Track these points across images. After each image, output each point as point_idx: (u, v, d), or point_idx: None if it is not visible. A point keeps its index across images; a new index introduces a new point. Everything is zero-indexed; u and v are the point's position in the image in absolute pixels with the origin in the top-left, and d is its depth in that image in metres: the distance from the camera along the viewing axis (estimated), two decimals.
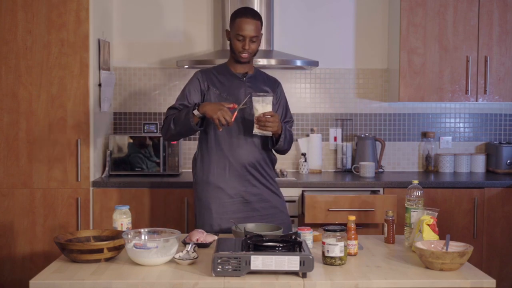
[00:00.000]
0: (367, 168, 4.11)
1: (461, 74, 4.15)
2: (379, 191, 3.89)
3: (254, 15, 2.94)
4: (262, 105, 2.81)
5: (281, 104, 3.12)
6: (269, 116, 2.79)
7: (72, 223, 3.79)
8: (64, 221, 3.79)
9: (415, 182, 2.74)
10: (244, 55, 2.94)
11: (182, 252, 2.40)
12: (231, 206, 2.97)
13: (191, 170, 4.34)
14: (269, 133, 2.86)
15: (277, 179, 3.32)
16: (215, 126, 2.86)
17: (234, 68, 3.04)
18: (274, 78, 3.17)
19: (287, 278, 2.18)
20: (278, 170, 4.23)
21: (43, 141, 3.77)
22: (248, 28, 2.90)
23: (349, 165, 4.37)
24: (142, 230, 2.48)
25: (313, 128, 4.42)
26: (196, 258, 2.37)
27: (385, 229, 2.73)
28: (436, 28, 4.13)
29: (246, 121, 2.95)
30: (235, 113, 2.81)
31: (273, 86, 3.11)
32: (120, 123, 4.40)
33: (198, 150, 3.09)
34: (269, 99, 2.82)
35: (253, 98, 2.83)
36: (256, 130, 2.83)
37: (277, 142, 2.96)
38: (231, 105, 2.81)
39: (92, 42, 3.80)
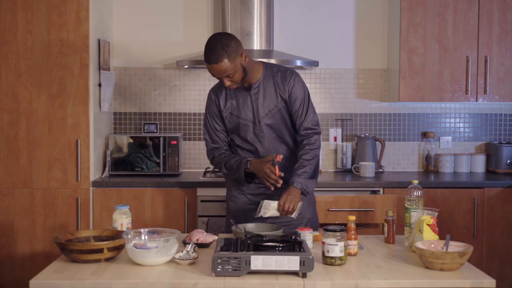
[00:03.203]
0: (367, 168, 4.11)
1: (461, 74, 4.15)
2: (379, 191, 3.89)
3: (215, 59, 2.70)
4: (272, 207, 2.80)
5: (293, 99, 2.90)
6: (284, 203, 2.76)
7: (72, 223, 3.79)
8: (64, 221, 3.79)
9: (415, 182, 2.74)
10: (231, 87, 2.84)
11: (182, 252, 2.40)
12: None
13: (191, 170, 4.38)
14: (298, 211, 2.80)
15: None
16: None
17: None
18: (284, 72, 2.92)
19: (287, 278, 2.18)
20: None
21: (43, 141, 3.77)
22: (216, 73, 2.75)
23: (349, 165, 4.37)
24: (142, 230, 2.48)
25: None
26: (196, 258, 2.37)
27: (385, 229, 2.73)
28: (436, 28, 4.13)
29: (272, 139, 2.94)
30: (277, 166, 2.79)
31: (283, 84, 2.90)
32: (120, 123, 4.40)
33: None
34: (266, 202, 2.81)
35: (261, 212, 2.81)
36: (290, 216, 2.82)
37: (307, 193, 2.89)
38: (271, 158, 2.79)
39: (92, 42, 3.80)
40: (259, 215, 2.80)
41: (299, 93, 2.91)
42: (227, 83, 2.78)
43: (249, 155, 2.96)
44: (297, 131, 2.96)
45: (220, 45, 2.71)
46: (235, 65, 2.74)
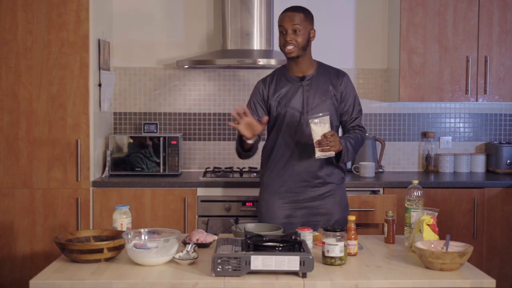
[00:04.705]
0: (367, 168, 4.11)
1: (461, 74, 4.15)
2: (379, 191, 3.89)
3: (295, 8, 2.93)
4: (321, 126, 2.70)
5: (345, 98, 2.99)
6: (330, 136, 2.68)
7: (72, 223, 3.79)
8: (64, 221, 3.79)
9: (415, 182, 2.74)
10: (288, 48, 2.87)
11: (182, 252, 2.41)
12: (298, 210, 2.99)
13: (191, 170, 4.38)
14: (332, 154, 2.73)
15: None
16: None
17: (292, 70, 2.99)
18: (337, 72, 3.05)
19: (287, 278, 2.18)
20: None
21: (43, 141, 3.77)
22: (288, 19, 2.87)
23: (349, 165, 4.36)
24: (142, 230, 2.48)
25: None
26: (196, 258, 2.37)
27: (385, 229, 2.73)
28: (436, 28, 4.13)
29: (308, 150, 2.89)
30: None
31: (336, 82, 2.99)
32: (120, 123, 4.40)
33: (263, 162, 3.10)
34: (326, 118, 2.72)
35: (311, 120, 2.71)
36: (318, 154, 2.70)
37: (338, 159, 2.87)
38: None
39: (92, 42, 3.80)
40: (314, 116, 2.71)
41: (352, 92, 3.03)
42: (289, 38, 2.86)
43: (286, 151, 2.96)
44: (346, 127, 3.04)
45: (302, 7, 2.96)
46: (305, 26, 2.90)
